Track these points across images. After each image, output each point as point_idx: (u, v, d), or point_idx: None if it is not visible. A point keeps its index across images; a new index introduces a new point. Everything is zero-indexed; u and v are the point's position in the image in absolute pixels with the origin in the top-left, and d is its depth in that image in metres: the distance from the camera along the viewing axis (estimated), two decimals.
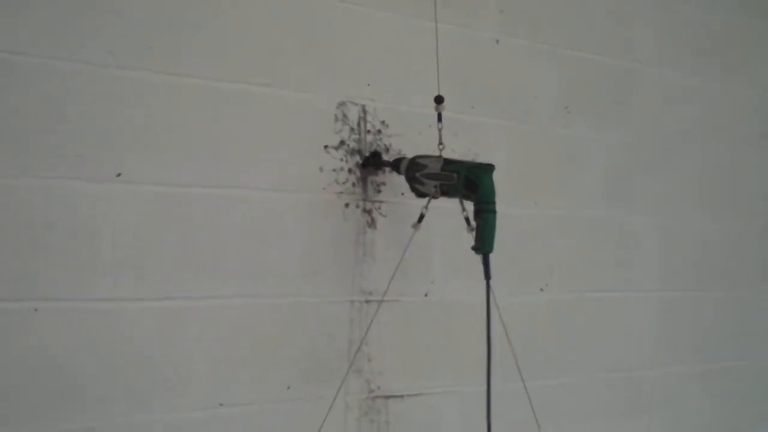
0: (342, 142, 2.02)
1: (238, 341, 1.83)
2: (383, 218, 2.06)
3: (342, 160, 2.01)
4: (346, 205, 2.01)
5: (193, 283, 1.78)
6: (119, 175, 1.71)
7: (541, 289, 2.35)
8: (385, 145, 2.08)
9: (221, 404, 1.80)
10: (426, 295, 2.12)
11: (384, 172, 2.05)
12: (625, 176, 2.59)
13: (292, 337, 1.90)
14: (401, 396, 2.05)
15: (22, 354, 1.59)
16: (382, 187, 2.07)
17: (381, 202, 2.06)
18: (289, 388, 1.88)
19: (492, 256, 1.94)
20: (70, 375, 1.64)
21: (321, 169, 1.98)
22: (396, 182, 2.04)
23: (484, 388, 1.94)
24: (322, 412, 1.86)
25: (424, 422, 2.08)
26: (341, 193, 2.00)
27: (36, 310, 1.61)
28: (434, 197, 1.94)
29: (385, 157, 2.06)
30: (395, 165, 2.01)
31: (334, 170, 2.00)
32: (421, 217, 1.95)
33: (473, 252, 1.95)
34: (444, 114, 1.94)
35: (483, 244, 1.93)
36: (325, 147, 1.99)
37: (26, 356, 1.60)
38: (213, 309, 1.80)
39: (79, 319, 1.65)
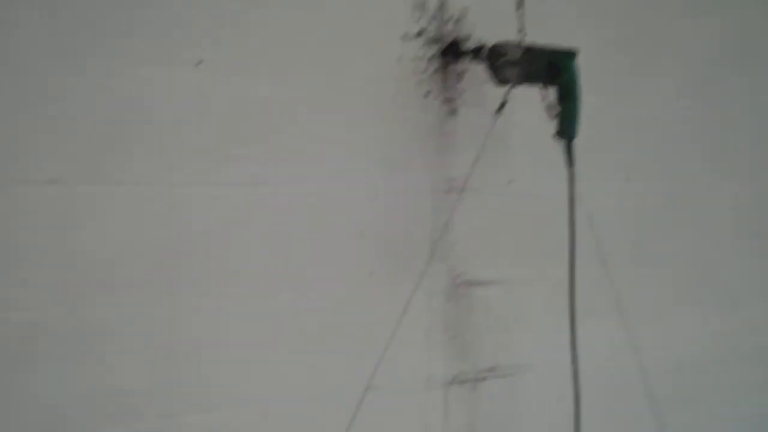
0: (421, 31, 1.98)
1: (321, 227, 1.84)
2: (464, 107, 2.02)
3: (421, 49, 1.98)
4: (426, 94, 1.98)
5: (276, 169, 1.79)
6: (200, 63, 1.72)
7: (626, 179, 2.31)
8: (465, 33, 2.04)
9: (305, 289, 1.83)
10: (509, 183, 2.10)
11: (464, 60, 2.01)
12: (719, 69, 2.51)
13: (375, 224, 1.91)
14: (484, 283, 2.05)
15: (108, 235, 1.62)
16: (463, 76, 2.03)
17: (461, 91, 2.03)
18: (371, 274, 1.89)
19: (575, 145, 1.93)
20: (154, 257, 1.67)
21: (400, 59, 1.95)
22: (476, 71, 2.00)
23: (567, 276, 1.96)
24: (405, 298, 1.87)
25: (507, 308, 2.09)
26: (421, 82, 1.98)
27: (122, 192, 1.63)
28: (516, 85, 1.92)
29: (466, 46, 2.02)
30: (476, 53, 1.97)
31: (413, 60, 1.96)
32: (503, 105, 1.93)
33: (556, 139, 1.94)
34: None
35: (566, 130, 1.92)
36: (404, 36, 1.96)
37: (112, 238, 1.62)
38: (296, 195, 1.81)
39: (166, 201, 1.67)
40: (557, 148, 1.94)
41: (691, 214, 2.48)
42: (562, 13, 2.17)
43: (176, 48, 1.67)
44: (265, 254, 1.78)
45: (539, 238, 2.11)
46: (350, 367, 1.84)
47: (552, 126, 1.93)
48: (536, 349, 2.12)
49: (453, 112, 2.02)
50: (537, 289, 2.12)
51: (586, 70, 1.93)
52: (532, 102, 1.92)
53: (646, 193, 2.36)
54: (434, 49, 2.00)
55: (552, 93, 1.92)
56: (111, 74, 1.60)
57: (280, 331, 1.80)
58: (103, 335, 1.61)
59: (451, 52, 2.01)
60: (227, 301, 1.75)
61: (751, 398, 2.66)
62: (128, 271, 1.63)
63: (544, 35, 1.96)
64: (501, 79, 1.93)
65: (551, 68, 1.91)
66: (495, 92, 1.94)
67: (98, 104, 1.59)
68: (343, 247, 1.87)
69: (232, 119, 1.74)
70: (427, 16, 1.99)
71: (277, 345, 1.80)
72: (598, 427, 2.03)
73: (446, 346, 2.00)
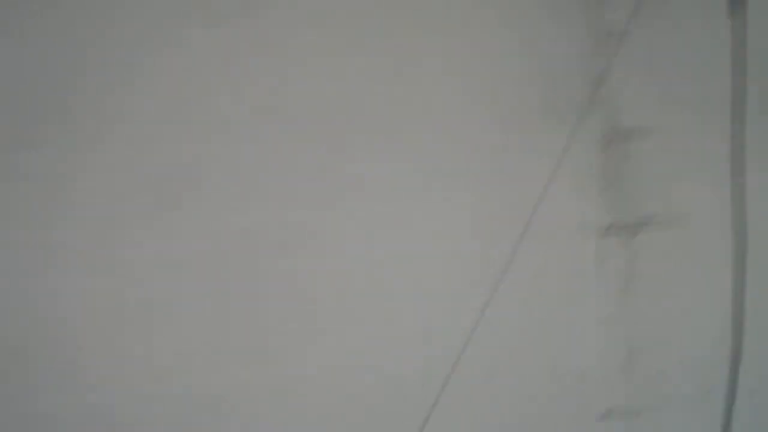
0: None
1: (476, 73, 1.86)
2: None
3: None
4: None
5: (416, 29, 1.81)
6: None
7: None
8: None
9: (462, 133, 1.85)
10: (671, 30, 2.02)
11: None
12: None
13: (531, 73, 1.91)
14: (642, 130, 2.01)
15: None
16: None
17: None
18: (529, 123, 1.90)
19: None
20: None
21: None
22: None
23: (730, 125, 1.90)
24: (561, 145, 1.86)
25: (665, 158, 2.05)
26: None
27: None
28: None
29: None
30: None
31: None
32: None
33: None
34: None
35: None
36: None
37: None
38: (451, 42, 1.84)
39: None
40: None
41: None
42: None
43: None
44: (428, 96, 1.82)
45: (701, 87, 2.04)
46: (507, 211, 1.87)
47: None
48: (696, 200, 2.08)
49: None
50: (697, 138, 2.06)
51: None
52: None
53: None
54: None
55: None
56: None
57: (439, 172, 1.85)
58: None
59: None
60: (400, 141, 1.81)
61: None
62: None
63: None
64: None
65: None
66: None
67: None
68: (500, 93, 1.88)
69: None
70: None
71: (438, 184, 1.85)
72: (761, 277, 1.99)
73: (602, 194, 2.00)
